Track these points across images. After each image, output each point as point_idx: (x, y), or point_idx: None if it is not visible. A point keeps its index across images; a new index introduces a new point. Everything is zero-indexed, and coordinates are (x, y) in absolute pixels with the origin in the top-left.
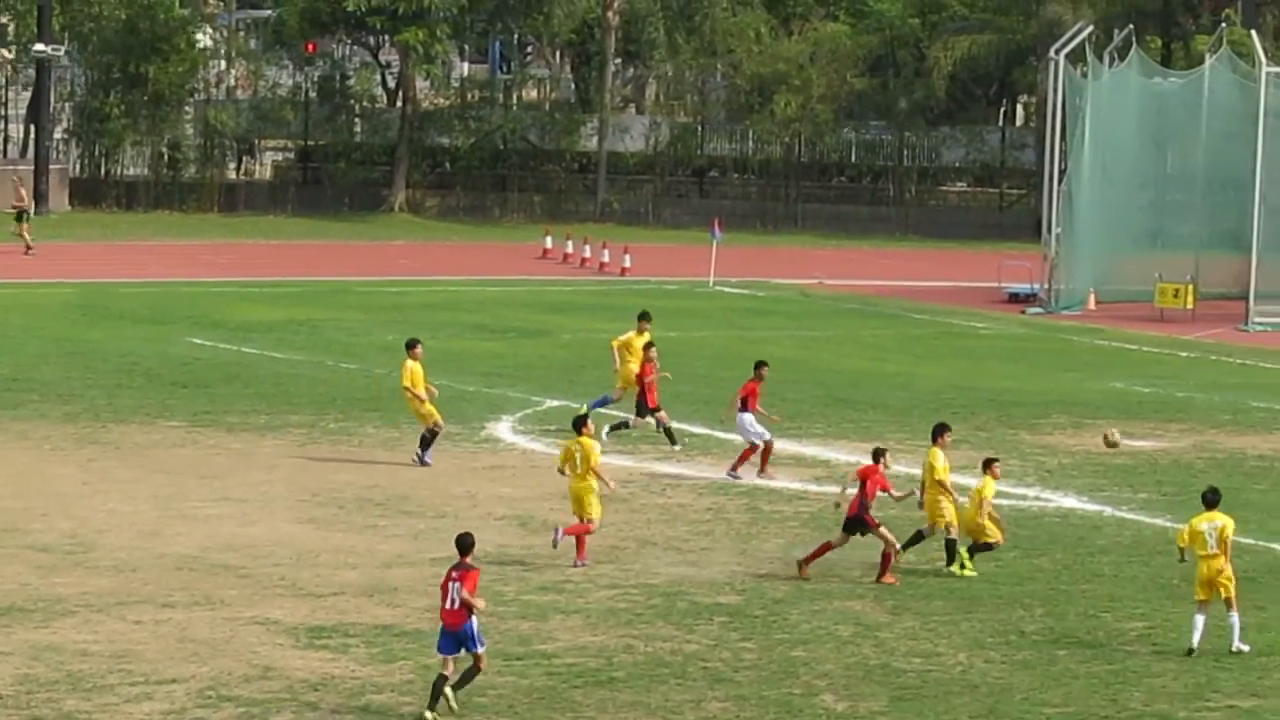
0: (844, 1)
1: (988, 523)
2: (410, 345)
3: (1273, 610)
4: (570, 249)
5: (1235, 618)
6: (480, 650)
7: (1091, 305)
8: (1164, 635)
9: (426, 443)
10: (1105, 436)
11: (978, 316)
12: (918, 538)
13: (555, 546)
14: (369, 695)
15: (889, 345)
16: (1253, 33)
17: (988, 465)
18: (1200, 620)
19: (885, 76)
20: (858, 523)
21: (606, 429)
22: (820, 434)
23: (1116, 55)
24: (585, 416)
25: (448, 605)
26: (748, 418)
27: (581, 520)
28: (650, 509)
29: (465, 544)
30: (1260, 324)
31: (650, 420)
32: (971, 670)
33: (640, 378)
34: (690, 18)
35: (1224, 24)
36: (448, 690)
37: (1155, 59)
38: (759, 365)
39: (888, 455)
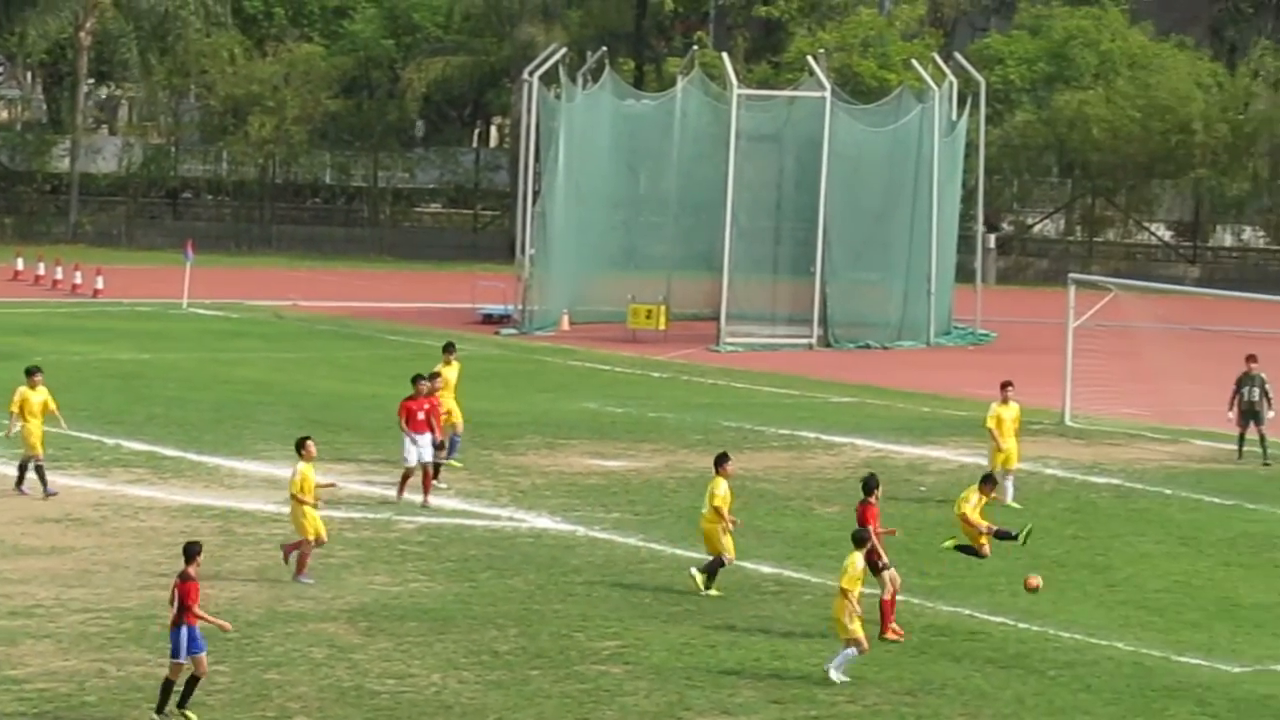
0: (318, 23)
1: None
2: (30, 373)
3: (744, 628)
4: (42, 271)
5: (850, 651)
6: (199, 655)
7: (565, 326)
8: (636, 654)
9: (23, 471)
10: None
11: (452, 338)
12: (718, 564)
13: (286, 562)
14: None
15: (363, 367)
16: (724, 55)
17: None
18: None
19: (360, 98)
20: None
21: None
22: (294, 456)
23: (590, 77)
24: (307, 438)
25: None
26: (407, 438)
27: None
28: (123, 532)
29: (187, 552)
30: (731, 344)
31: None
32: (445, 691)
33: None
34: (163, 38)
35: (695, 46)
36: (172, 708)
37: (628, 81)
38: (418, 379)
39: (879, 490)
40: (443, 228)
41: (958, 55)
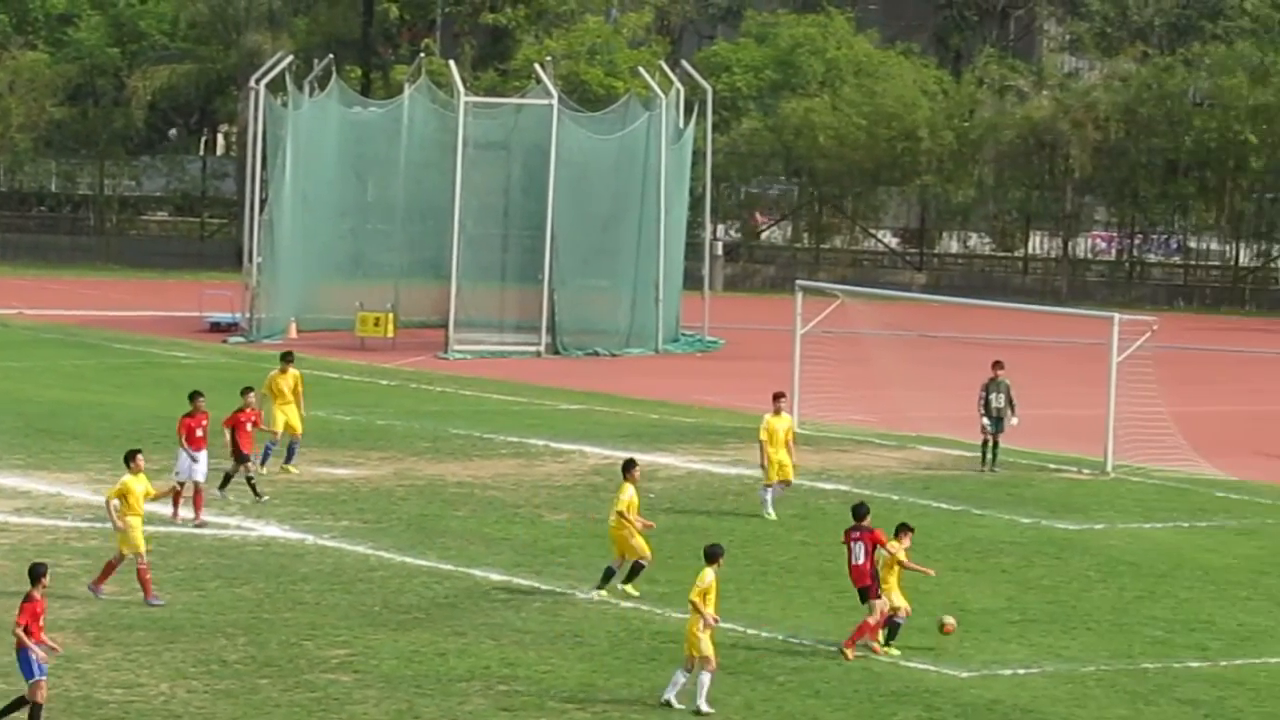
0: (43, 30)
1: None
2: None
3: (473, 635)
4: None
5: (705, 677)
6: (31, 679)
7: (293, 334)
8: (365, 662)
9: None
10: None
11: (179, 345)
12: (609, 574)
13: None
14: None
15: (90, 375)
16: (451, 63)
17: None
18: (679, 676)
19: (85, 106)
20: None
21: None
22: (20, 465)
23: (317, 85)
24: (136, 451)
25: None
26: (185, 453)
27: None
28: None
29: (31, 573)
30: (459, 352)
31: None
32: (174, 700)
33: (233, 421)
34: None
35: (422, 54)
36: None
37: (355, 88)
38: (195, 396)
39: (869, 518)
40: (169, 236)
41: (685, 63)
